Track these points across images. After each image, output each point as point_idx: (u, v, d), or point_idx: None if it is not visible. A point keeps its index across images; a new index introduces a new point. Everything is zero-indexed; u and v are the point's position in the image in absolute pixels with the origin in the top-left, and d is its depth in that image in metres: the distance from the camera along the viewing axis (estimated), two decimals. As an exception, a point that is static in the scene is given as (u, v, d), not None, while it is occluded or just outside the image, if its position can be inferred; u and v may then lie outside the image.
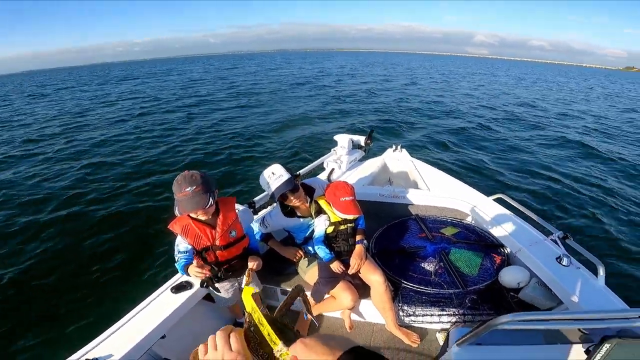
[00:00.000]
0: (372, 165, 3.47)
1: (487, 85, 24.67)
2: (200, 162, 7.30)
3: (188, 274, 1.70)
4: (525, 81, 31.96)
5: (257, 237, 2.25)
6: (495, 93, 20.30)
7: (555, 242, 2.13)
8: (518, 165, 7.25)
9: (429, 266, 2.30)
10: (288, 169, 1.97)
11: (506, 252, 2.36)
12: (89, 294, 3.52)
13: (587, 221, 4.99)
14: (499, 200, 2.76)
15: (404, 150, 3.67)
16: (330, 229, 2.01)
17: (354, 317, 2.26)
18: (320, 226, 2.01)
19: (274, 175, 1.93)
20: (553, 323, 1.05)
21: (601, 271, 1.79)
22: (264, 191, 2.27)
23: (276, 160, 2.62)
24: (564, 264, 1.97)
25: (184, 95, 18.40)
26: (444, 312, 1.94)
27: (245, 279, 1.75)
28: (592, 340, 1.12)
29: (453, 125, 10.80)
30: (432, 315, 1.95)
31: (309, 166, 3.20)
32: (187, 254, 1.68)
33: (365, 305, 2.16)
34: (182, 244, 1.67)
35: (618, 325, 1.01)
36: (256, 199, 2.40)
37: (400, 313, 2.03)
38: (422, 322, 1.98)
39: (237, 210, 1.83)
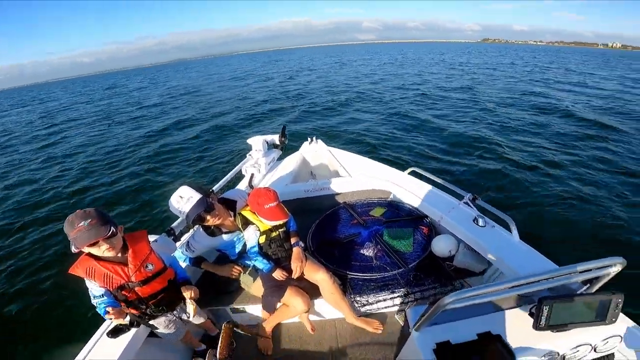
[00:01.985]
0: (291, 163, 3.42)
1: (376, 70, 26.85)
2: (99, 198, 6.22)
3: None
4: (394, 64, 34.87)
5: (187, 262, 2.03)
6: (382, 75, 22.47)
7: (468, 204, 2.36)
8: (417, 137, 8.06)
9: (368, 252, 2.34)
10: (198, 188, 1.81)
11: (430, 221, 2.54)
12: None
13: (489, 178, 5.67)
14: (413, 174, 2.96)
15: (319, 141, 3.67)
16: (262, 239, 1.93)
17: (313, 317, 2.20)
18: (251, 238, 1.92)
19: (183, 199, 1.77)
20: (492, 295, 1.11)
21: (512, 228, 2.03)
22: None
23: (186, 180, 2.34)
24: (480, 224, 2.18)
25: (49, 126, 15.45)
26: (395, 294, 2.00)
27: (190, 310, 1.64)
28: (533, 301, 1.24)
29: (354, 106, 11.57)
30: (385, 300, 1.99)
31: (227, 176, 2.98)
32: (104, 297, 1.48)
33: (319, 304, 2.11)
34: (94, 288, 1.48)
35: (551, 285, 1.12)
36: (174, 224, 2.14)
37: (355, 305, 2.03)
38: (378, 308, 2.01)
39: (153, 242, 1.70)
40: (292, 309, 1.96)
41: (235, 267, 2.10)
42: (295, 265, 1.94)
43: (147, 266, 1.56)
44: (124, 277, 1.49)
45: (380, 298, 2.00)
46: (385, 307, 2.02)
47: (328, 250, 2.40)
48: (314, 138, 3.68)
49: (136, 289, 1.54)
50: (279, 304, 2.00)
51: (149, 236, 1.83)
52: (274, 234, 1.95)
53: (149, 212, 5.41)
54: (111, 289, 1.49)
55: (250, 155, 3.37)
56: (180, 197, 1.77)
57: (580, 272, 1.11)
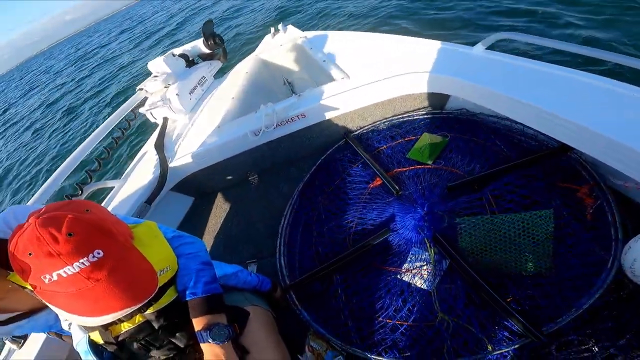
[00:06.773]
0: (239, 74, 1.97)
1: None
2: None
3: None
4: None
5: None
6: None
7: None
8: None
9: (418, 281, 0.88)
10: None
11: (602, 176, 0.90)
12: None
13: None
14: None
15: (289, 27, 2.27)
16: (95, 335, 0.69)
17: None
18: (74, 333, 0.72)
19: None
20: None
21: None
22: None
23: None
24: None
25: None
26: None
27: None
28: None
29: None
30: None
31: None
32: None
33: None
34: None
35: None
36: None
37: None
38: None
39: None
40: None
41: None
42: None
43: None
44: None
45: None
46: None
47: (322, 278, 1.03)
48: (280, 26, 2.28)
49: None
50: None
51: None
52: (125, 325, 0.68)
53: None
54: None
55: (144, 89, 1.83)
56: None
57: None
